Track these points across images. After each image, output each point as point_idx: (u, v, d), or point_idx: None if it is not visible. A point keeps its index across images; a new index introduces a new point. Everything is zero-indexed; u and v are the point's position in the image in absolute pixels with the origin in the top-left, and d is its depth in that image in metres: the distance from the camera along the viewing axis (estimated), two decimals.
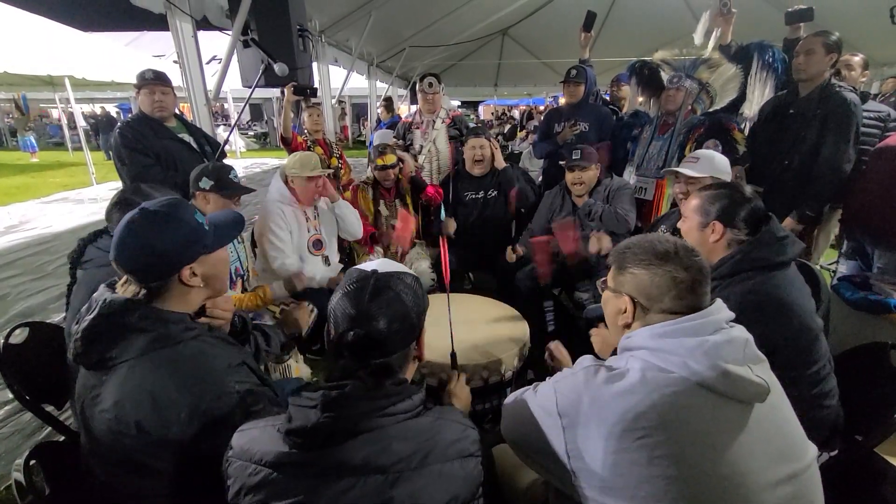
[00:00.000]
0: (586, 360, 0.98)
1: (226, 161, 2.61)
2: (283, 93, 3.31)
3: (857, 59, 3.22)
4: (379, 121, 7.27)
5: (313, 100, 3.90)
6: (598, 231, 2.55)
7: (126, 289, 1.05)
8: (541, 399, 0.98)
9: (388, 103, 7.15)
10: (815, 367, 1.35)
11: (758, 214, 1.43)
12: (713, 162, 2.03)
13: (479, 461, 0.87)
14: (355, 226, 2.71)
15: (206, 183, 1.98)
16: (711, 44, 3.08)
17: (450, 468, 0.83)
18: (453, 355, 1.62)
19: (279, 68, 2.84)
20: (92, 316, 0.99)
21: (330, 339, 0.90)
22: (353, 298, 0.88)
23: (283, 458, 0.81)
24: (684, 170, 2.05)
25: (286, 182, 2.46)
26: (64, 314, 1.70)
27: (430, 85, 3.44)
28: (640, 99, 3.27)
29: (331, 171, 2.66)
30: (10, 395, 1.43)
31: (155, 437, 0.95)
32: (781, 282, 1.35)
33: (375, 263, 0.96)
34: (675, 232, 1.69)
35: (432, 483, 0.81)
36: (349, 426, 0.82)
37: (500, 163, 3.08)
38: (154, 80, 2.56)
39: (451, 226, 3.02)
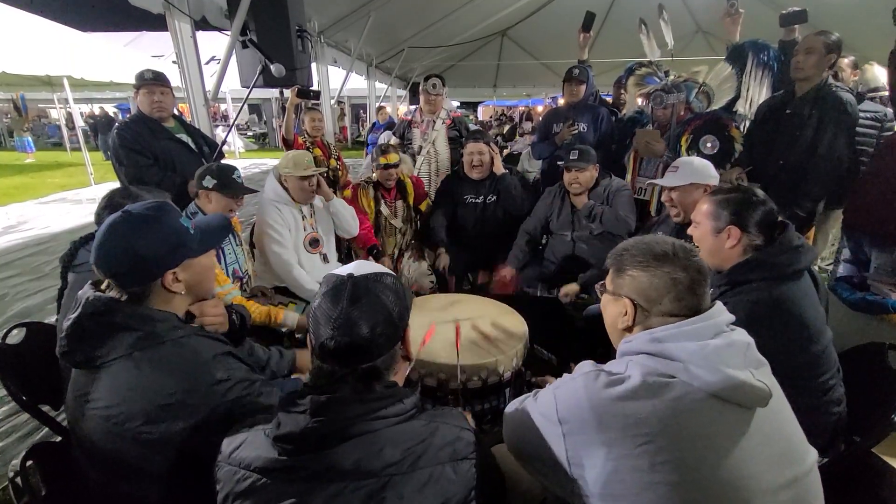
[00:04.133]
0: (586, 365, 0.98)
1: (225, 161, 2.61)
2: (282, 93, 3.31)
3: (846, 60, 3.23)
4: (374, 123, 7.41)
5: (313, 102, 3.90)
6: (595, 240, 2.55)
7: (109, 289, 1.04)
8: (541, 406, 0.97)
9: (381, 111, 7.46)
10: (825, 376, 1.34)
11: (772, 218, 1.39)
12: (692, 167, 2.02)
13: (473, 463, 0.86)
14: (350, 223, 2.70)
15: (209, 182, 1.99)
16: (670, 36, 3.08)
17: (441, 471, 0.82)
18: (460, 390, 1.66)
19: (276, 69, 2.84)
20: (76, 314, 0.98)
21: (313, 347, 0.88)
22: (331, 305, 0.85)
23: (271, 463, 0.80)
24: (662, 181, 2.06)
25: (280, 181, 2.46)
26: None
27: (434, 86, 3.44)
28: (639, 101, 3.28)
29: (325, 170, 2.66)
30: (7, 396, 1.42)
31: (147, 436, 0.94)
32: (793, 294, 1.31)
33: (351, 266, 0.94)
34: (679, 236, 1.69)
35: (423, 486, 0.80)
36: (340, 430, 0.81)
37: (499, 169, 3.07)
38: (153, 81, 2.55)
39: (444, 261, 3.00)
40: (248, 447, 0.84)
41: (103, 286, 1.05)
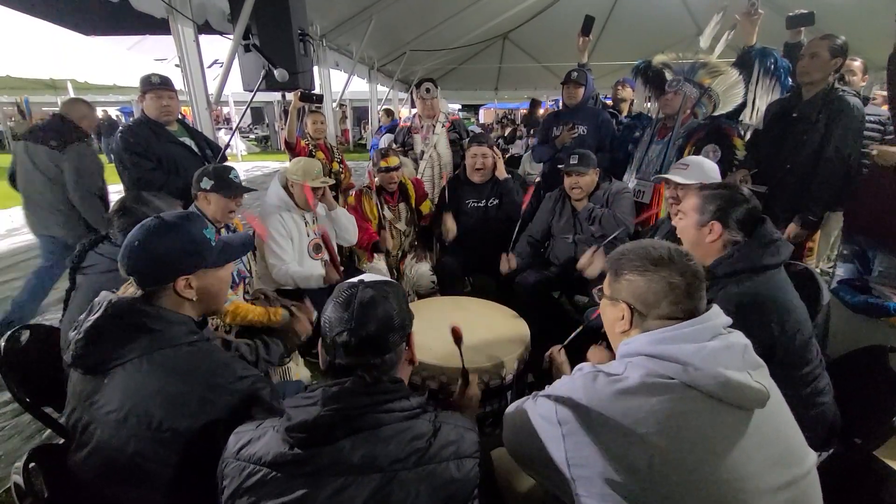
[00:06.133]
0: (585, 367, 0.99)
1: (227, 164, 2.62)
2: (284, 96, 3.33)
3: (857, 63, 3.21)
4: (381, 127, 7.47)
5: (315, 105, 3.92)
6: (596, 243, 2.46)
7: (126, 291, 1.09)
8: (540, 408, 0.98)
9: (388, 113, 7.62)
10: (809, 367, 1.36)
11: (754, 215, 1.43)
12: (703, 168, 2.02)
13: (477, 463, 0.88)
14: (350, 232, 2.73)
15: (206, 183, 2.00)
16: (719, 48, 3.07)
17: (445, 468, 0.84)
18: (465, 373, 1.62)
19: (279, 74, 2.85)
20: (96, 316, 1.01)
21: (324, 345, 0.94)
22: (344, 306, 0.92)
23: (281, 457, 0.83)
24: (673, 176, 2.06)
25: (286, 187, 2.46)
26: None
27: (428, 91, 3.47)
28: (648, 104, 3.26)
29: (332, 182, 2.67)
30: (10, 397, 1.43)
31: (167, 433, 0.96)
32: (774, 285, 1.35)
33: (362, 276, 1.01)
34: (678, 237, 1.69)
35: (427, 482, 0.82)
36: (349, 420, 0.84)
37: (502, 173, 3.07)
38: (161, 86, 2.57)
39: (451, 227, 2.98)
40: (257, 443, 0.87)
41: (120, 292, 1.10)
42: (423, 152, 3.59)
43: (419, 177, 3.57)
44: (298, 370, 2.26)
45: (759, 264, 1.36)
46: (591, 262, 2.38)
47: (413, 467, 0.83)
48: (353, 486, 0.80)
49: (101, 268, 1.54)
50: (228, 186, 2.03)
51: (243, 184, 2.12)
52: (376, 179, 3.02)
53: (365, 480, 0.81)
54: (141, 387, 0.97)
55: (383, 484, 0.81)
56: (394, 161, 2.92)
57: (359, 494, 0.80)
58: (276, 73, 2.85)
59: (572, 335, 1.70)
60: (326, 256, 2.64)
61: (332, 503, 0.80)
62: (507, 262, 2.75)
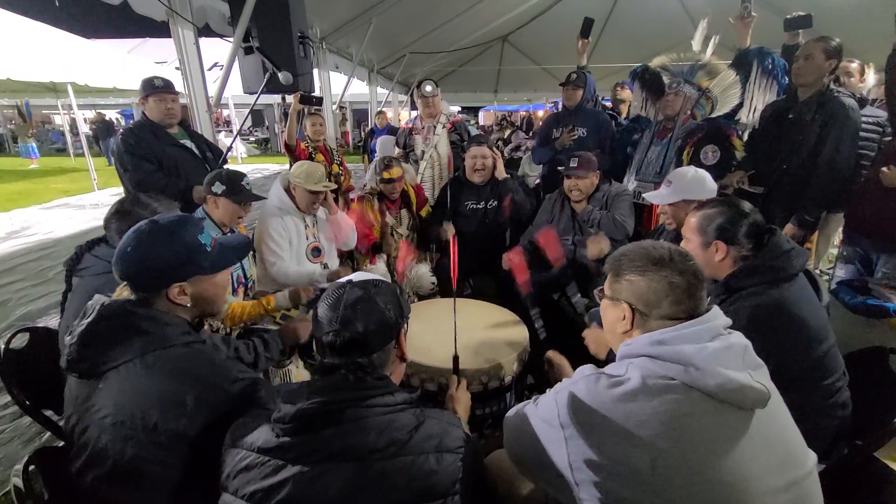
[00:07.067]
0: (586, 369, 0.99)
1: (227, 167, 2.62)
2: (283, 99, 3.33)
3: (855, 65, 3.22)
4: (373, 129, 7.53)
5: (315, 107, 3.93)
6: (595, 234, 2.45)
7: (121, 293, 1.09)
8: (542, 412, 0.98)
9: (381, 116, 7.87)
10: (830, 378, 1.35)
11: (759, 228, 1.42)
12: (685, 182, 1.97)
13: (459, 458, 0.90)
14: (350, 236, 2.74)
15: (218, 187, 2.00)
16: (710, 50, 3.09)
17: (424, 461, 0.87)
18: (455, 359, 1.61)
19: (283, 77, 2.86)
20: (89, 320, 1.01)
21: (316, 343, 0.98)
22: (332, 306, 0.96)
23: (269, 443, 0.88)
24: (654, 198, 2.05)
25: (288, 189, 2.46)
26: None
27: (429, 90, 3.47)
28: (636, 103, 3.27)
29: (335, 186, 2.67)
30: (10, 400, 1.43)
31: (163, 435, 0.95)
32: (790, 295, 1.33)
33: (352, 276, 1.04)
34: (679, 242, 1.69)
35: (404, 473, 0.85)
36: (332, 412, 0.88)
37: (502, 173, 3.07)
38: (165, 89, 2.58)
39: (450, 230, 2.99)
40: (249, 433, 0.91)
41: (115, 294, 1.10)
42: (423, 153, 3.60)
43: (420, 177, 3.57)
44: (299, 372, 2.25)
45: (770, 276, 1.35)
46: (594, 241, 2.32)
47: (391, 458, 0.86)
48: (331, 472, 0.84)
49: (97, 270, 1.53)
50: (239, 192, 2.03)
51: (253, 191, 2.12)
52: (378, 187, 3.03)
53: (343, 468, 0.84)
54: (136, 389, 0.97)
55: (360, 472, 0.84)
56: (396, 172, 2.91)
57: (336, 481, 0.84)
58: (280, 75, 2.86)
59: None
60: (325, 260, 2.64)
61: (312, 488, 0.84)
62: (508, 262, 2.71)
